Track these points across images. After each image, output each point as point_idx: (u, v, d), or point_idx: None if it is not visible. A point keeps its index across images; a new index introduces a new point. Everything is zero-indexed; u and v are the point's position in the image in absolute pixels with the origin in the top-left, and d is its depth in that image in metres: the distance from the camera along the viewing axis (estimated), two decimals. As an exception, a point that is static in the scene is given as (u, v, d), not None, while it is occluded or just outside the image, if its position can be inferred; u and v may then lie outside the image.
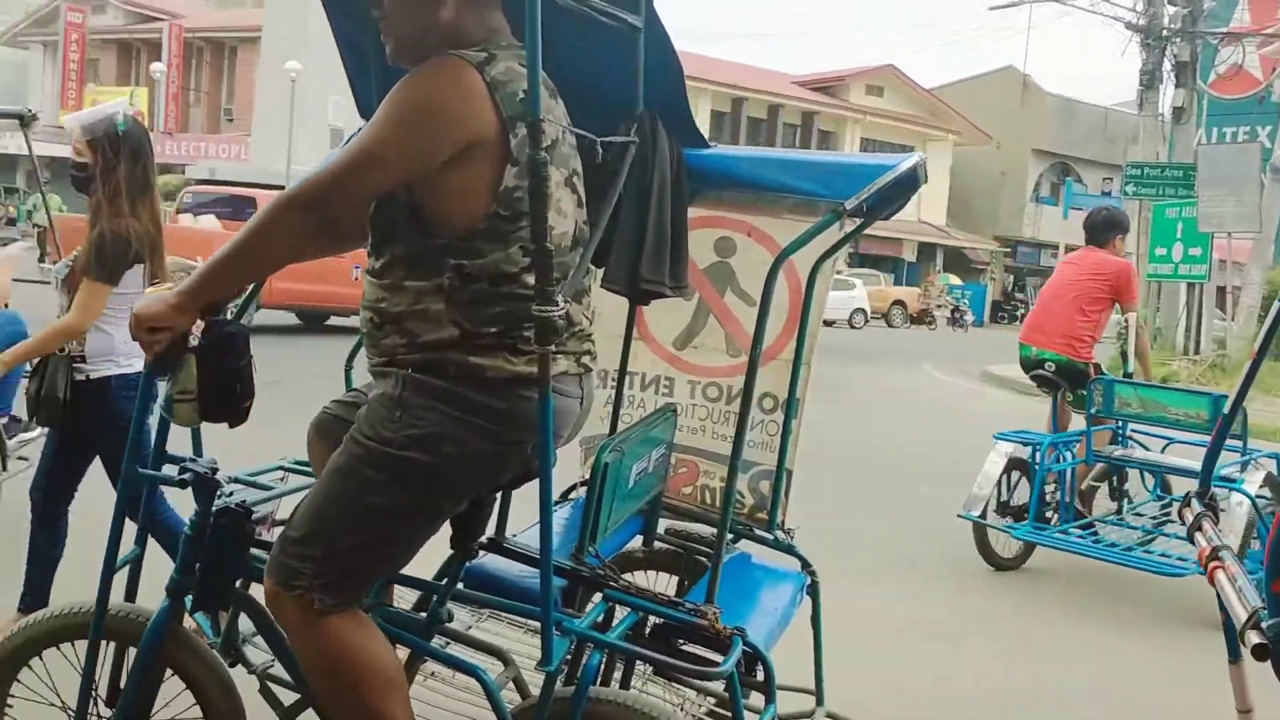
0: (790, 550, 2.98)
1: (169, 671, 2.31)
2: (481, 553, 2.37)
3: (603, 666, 2.56)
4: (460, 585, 2.38)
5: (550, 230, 2.01)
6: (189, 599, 2.27)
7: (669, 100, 2.53)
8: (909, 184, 2.56)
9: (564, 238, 2.13)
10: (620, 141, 2.37)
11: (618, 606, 2.35)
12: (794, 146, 37.82)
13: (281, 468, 2.75)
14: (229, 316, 2.31)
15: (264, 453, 2.92)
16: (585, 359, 2.24)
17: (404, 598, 2.67)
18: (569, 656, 2.47)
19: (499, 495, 2.40)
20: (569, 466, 2.92)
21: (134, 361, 3.65)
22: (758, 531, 3.04)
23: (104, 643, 2.29)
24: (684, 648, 2.26)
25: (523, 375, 2.03)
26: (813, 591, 2.91)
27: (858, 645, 4.07)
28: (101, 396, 3.64)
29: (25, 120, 5.48)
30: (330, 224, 2.05)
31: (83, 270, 3.53)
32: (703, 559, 2.95)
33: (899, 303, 36.40)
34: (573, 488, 3.22)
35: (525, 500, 2.21)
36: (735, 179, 2.72)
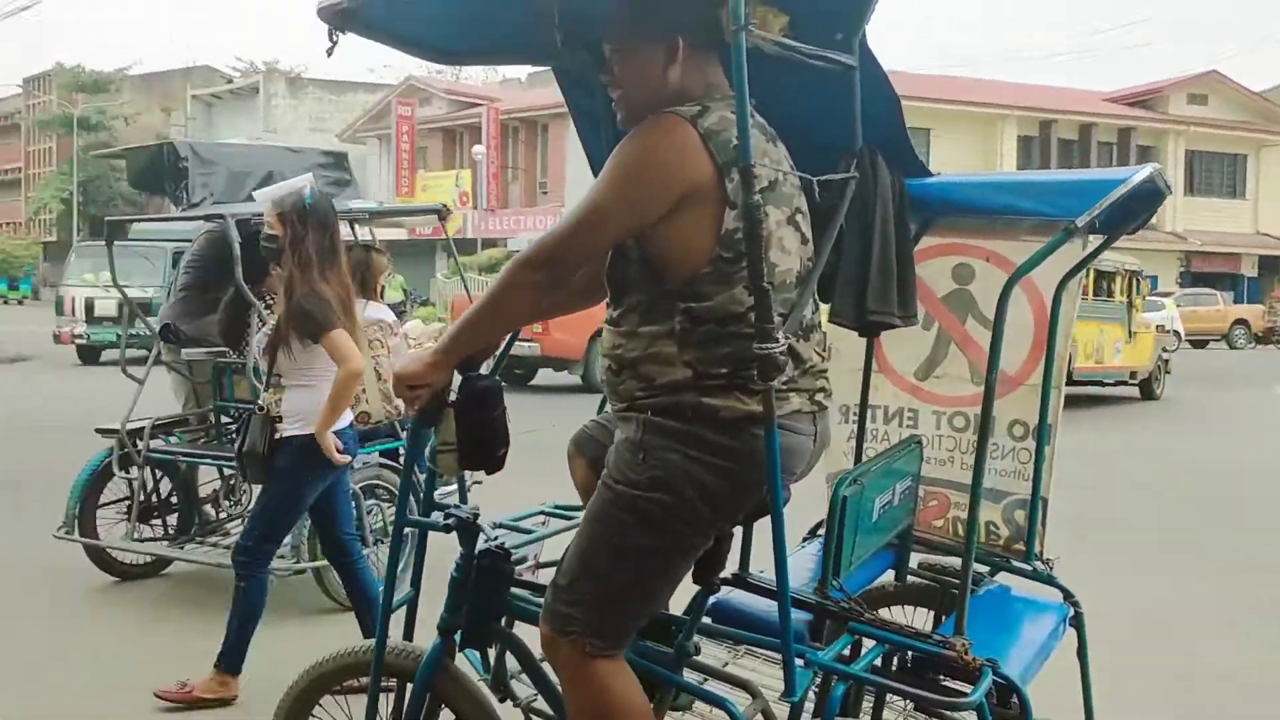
0: (1050, 581, 2.88)
1: (443, 707, 2.49)
2: (725, 587, 2.44)
3: (850, 699, 2.56)
4: (707, 619, 2.46)
5: (774, 268, 2.09)
6: (458, 637, 2.45)
7: (888, 134, 2.56)
8: (1150, 197, 2.46)
9: (788, 274, 2.19)
10: (840, 179, 2.41)
11: (865, 639, 2.35)
12: (1109, 165, 35.86)
13: (542, 512, 2.91)
14: (483, 371, 2.49)
15: (528, 498, 3.11)
16: (819, 396, 2.28)
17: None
18: (818, 689, 2.49)
19: (740, 530, 2.46)
20: (819, 502, 2.95)
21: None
22: (1015, 563, 2.95)
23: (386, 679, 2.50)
24: (936, 681, 2.24)
25: (755, 414, 2.08)
26: (1076, 623, 2.79)
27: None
28: (289, 454, 3.91)
29: (442, 214, 6.10)
30: (563, 280, 2.20)
31: (292, 335, 3.84)
32: (958, 592, 2.89)
33: (1241, 321, 33.66)
34: (821, 524, 3.23)
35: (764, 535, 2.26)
36: (961, 205, 2.70)
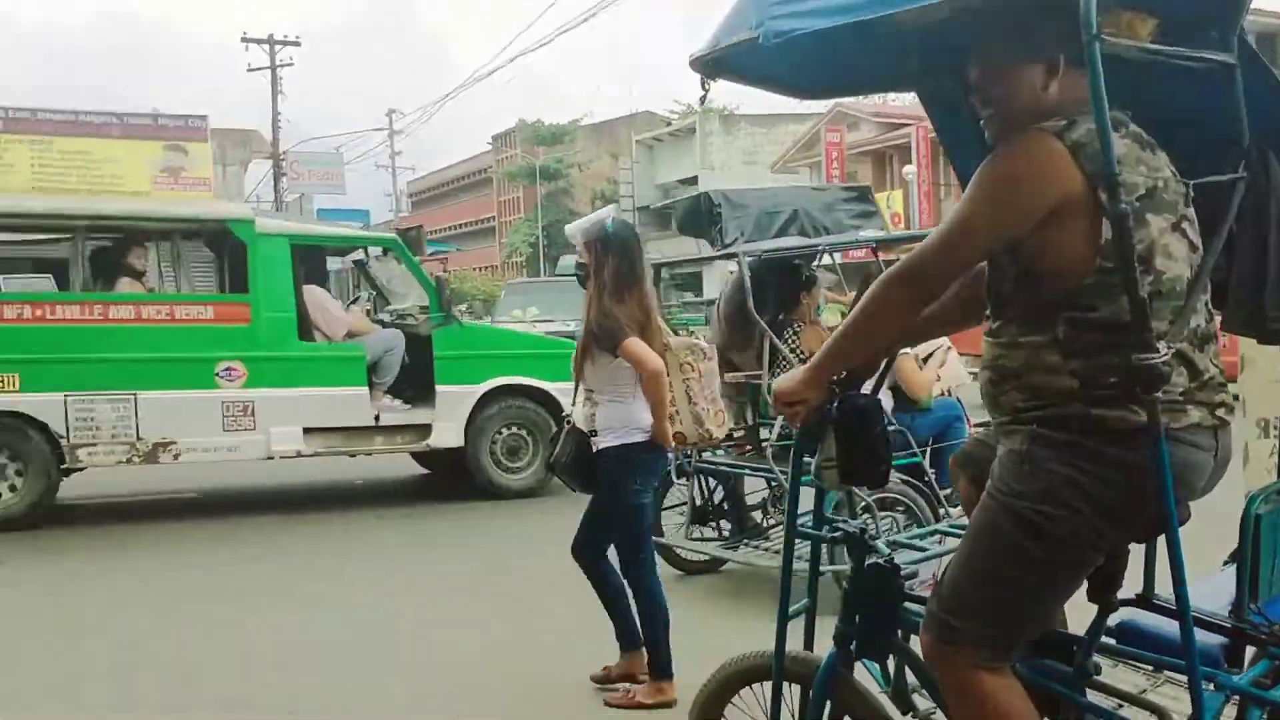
0: None
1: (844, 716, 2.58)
2: (1129, 607, 2.34)
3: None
4: (1111, 640, 2.37)
5: (1160, 275, 2.04)
6: (854, 647, 2.54)
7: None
8: None
9: (1175, 282, 2.11)
10: (1227, 180, 2.26)
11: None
12: None
13: (938, 531, 2.94)
14: (862, 391, 2.57)
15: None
16: (1220, 411, 2.16)
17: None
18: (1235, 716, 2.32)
19: (1144, 548, 2.36)
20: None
21: (634, 434, 4.18)
22: None
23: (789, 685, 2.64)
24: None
25: (1147, 426, 2.02)
26: None
27: None
28: (608, 465, 4.18)
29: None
30: (933, 295, 2.26)
31: (594, 351, 4.14)
32: None
33: None
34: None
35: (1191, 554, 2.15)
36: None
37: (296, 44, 40.52)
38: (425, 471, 10.09)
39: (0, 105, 8.05)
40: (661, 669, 4.17)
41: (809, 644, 2.67)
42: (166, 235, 8.27)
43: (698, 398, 4.46)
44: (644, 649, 4.26)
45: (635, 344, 4.08)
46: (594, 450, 4.25)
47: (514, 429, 8.85)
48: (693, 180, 48.42)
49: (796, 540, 2.60)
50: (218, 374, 8.06)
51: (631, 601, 4.27)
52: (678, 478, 6.02)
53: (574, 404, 4.43)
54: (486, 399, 8.70)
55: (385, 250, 9.20)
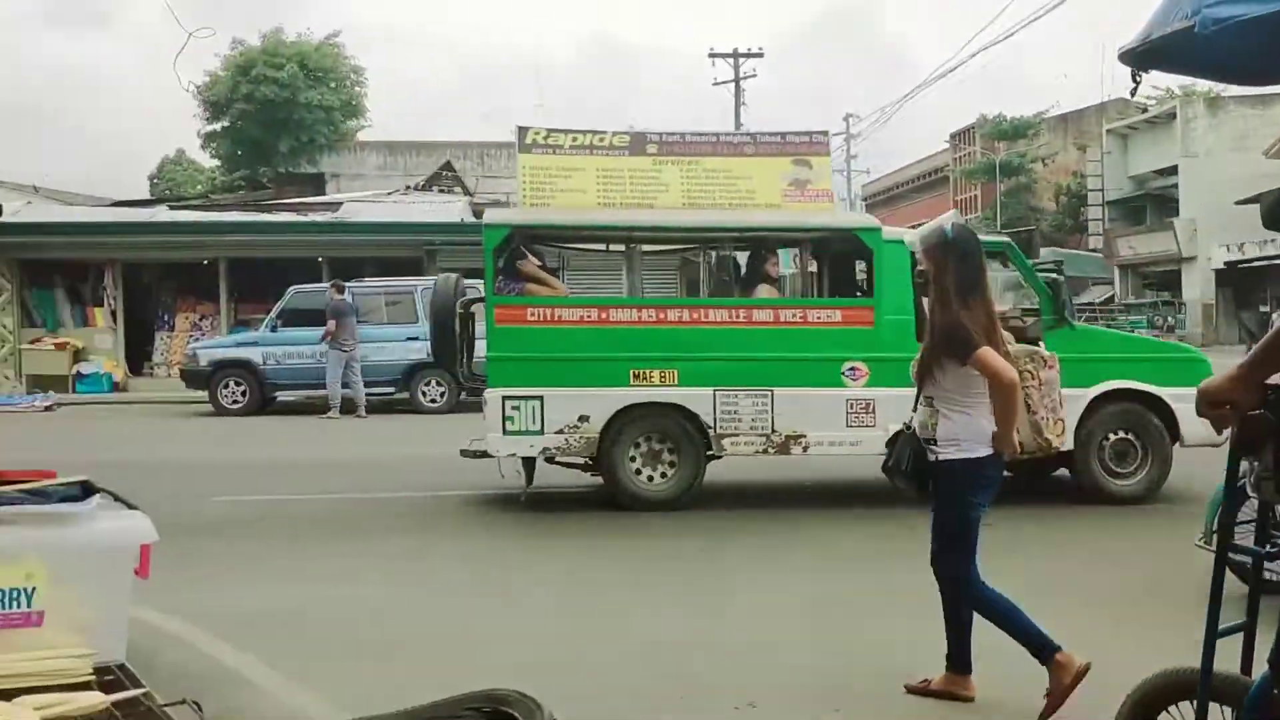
0: None
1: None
2: None
3: None
4: None
5: None
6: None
7: None
8: None
9: None
10: None
11: None
12: None
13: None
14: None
15: None
16: None
17: None
18: None
19: None
20: None
21: (976, 448, 4.09)
22: None
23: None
24: None
25: None
26: None
27: None
28: (947, 477, 4.13)
29: None
30: None
31: (941, 359, 4.09)
32: None
33: None
34: None
35: None
36: None
37: (759, 55, 42.18)
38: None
39: (654, 131, 8.97)
40: (960, 663, 4.24)
41: (1246, 668, 2.47)
42: (798, 243, 8.97)
43: (1037, 406, 4.29)
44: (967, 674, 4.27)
45: (989, 354, 4.01)
46: (933, 459, 4.20)
47: (1123, 434, 8.74)
48: (1172, 170, 45.03)
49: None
50: (844, 373, 8.62)
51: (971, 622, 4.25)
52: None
53: (913, 410, 4.36)
54: (1096, 403, 8.66)
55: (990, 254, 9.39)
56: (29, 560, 1.80)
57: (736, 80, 41.29)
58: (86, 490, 1.96)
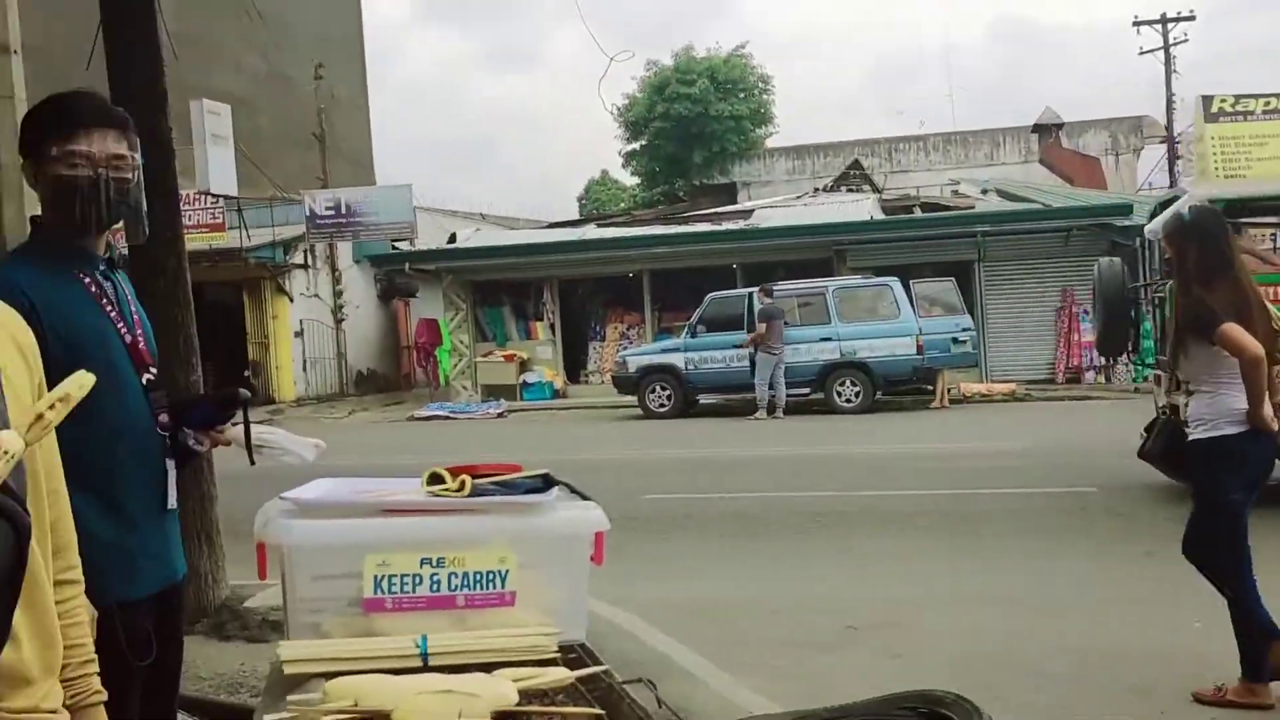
0: None
1: None
2: None
3: None
4: None
5: None
6: None
7: None
8: None
9: None
10: None
11: None
12: None
13: None
14: None
15: None
16: None
17: None
18: None
19: None
20: None
21: (1225, 425, 4.11)
22: None
23: None
24: None
25: None
26: None
27: None
28: (1199, 458, 4.20)
29: None
30: None
31: (1187, 339, 4.19)
32: None
33: None
34: None
35: None
36: None
37: (1190, 19, 38.29)
38: None
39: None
40: (1254, 673, 4.12)
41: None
42: None
43: None
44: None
45: (1233, 329, 4.03)
46: (1187, 441, 4.28)
47: None
48: None
49: None
50: None
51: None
52: None
53: (1164, 394, 4.22)
54: None
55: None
56: (501, 545, 1.98)
57: (1166, 47, 37.80)
58: (548, 482, 2.13)
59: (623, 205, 46.18)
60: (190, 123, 17.85)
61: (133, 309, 2.59)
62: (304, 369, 25.74)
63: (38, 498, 1.53)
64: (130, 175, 2.47)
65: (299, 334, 25.48)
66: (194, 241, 18.42)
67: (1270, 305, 4.43)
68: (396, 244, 26.14)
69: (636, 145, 43.20)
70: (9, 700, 1.44)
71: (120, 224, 2.52)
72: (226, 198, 21.19)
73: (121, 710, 2.45)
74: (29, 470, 1.51)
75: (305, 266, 25.82)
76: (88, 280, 2.47)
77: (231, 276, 24.22)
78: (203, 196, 21.34)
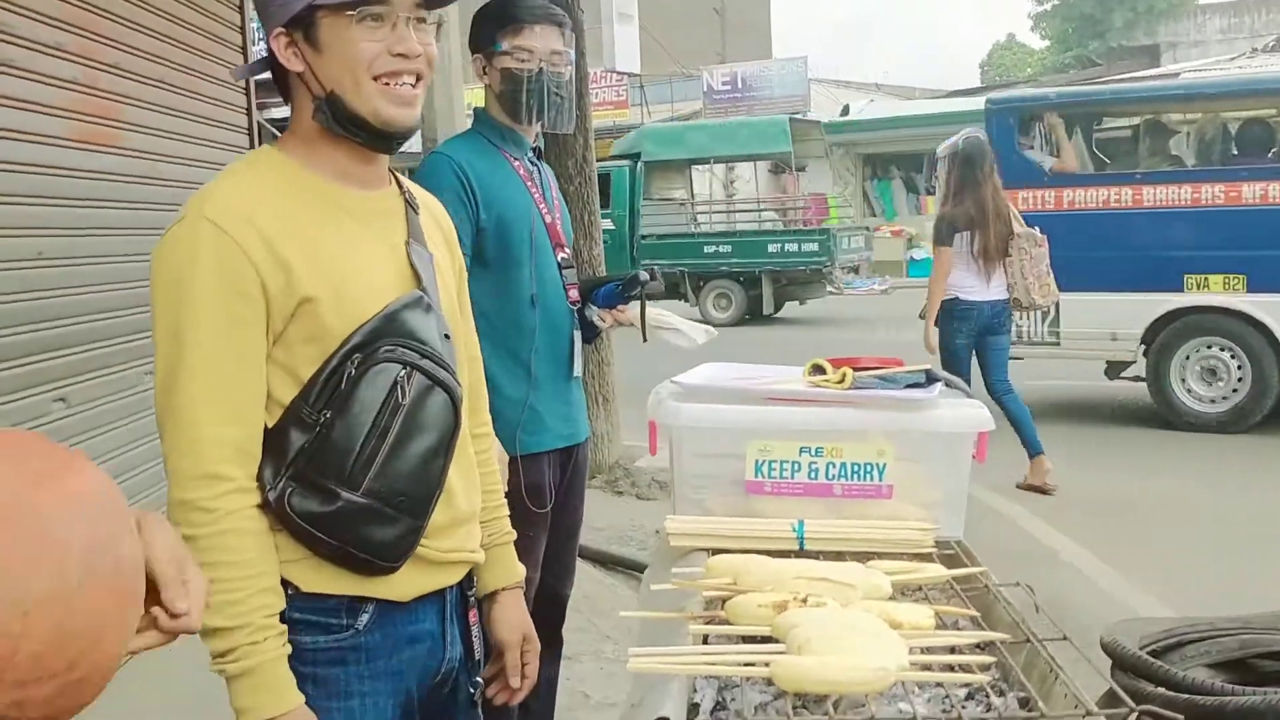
0: None
1: None
2: None
3: None
4: None
5: None
6: None
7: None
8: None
9: None
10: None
11: None
12: None
13: None
14: None
15: None
16: None
17: None
18: None
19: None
20: None
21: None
22: None
23: None
24: None
25: None
26: None
27: None
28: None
29: None
30: None
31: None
32: None
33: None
34: None
35: None
36: None
37: None
38: None
39: None
40: None
41: None
42: None
43: (1028, 273, 5.95)
44: None
45: (937, 254, 5.97)
46: None
47: None
48: None
49: None
50: None
51: None
52: None
53: None
54: None
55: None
56: (880, 439, 1.99)
57: None
58: (930, 378, 2.10)
59: (1029, 70, 43.17)
60: (599, 2, 18.55)
61: (554, 194, 2.83)
62: (696, 240, 26.50)
63: (461, 367, 1.69)
64: (565, 71, 2.69)
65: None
66: (599, 119, 19.35)
67: (1014, 214, 6.08)
68: (792, 118, 26.05)
69: (1048, 6, 40.03)
70: (437, 540, 1.63)
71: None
72: (630, 75, 21.95)
73: (526, 552, 2.75)
74: (456, 342, 1.67)
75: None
76: (517, 163, 2.72)
77: (633, 151, 25.22)
78: (608, 75, 22.25)
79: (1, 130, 3.72)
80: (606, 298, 2.78)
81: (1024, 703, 1.46)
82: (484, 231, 2.62)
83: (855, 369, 2.08)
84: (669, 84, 25.16)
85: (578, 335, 2.77)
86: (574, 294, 2.77)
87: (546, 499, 2.74)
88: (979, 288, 5.98)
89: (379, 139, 1.58)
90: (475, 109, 2.83)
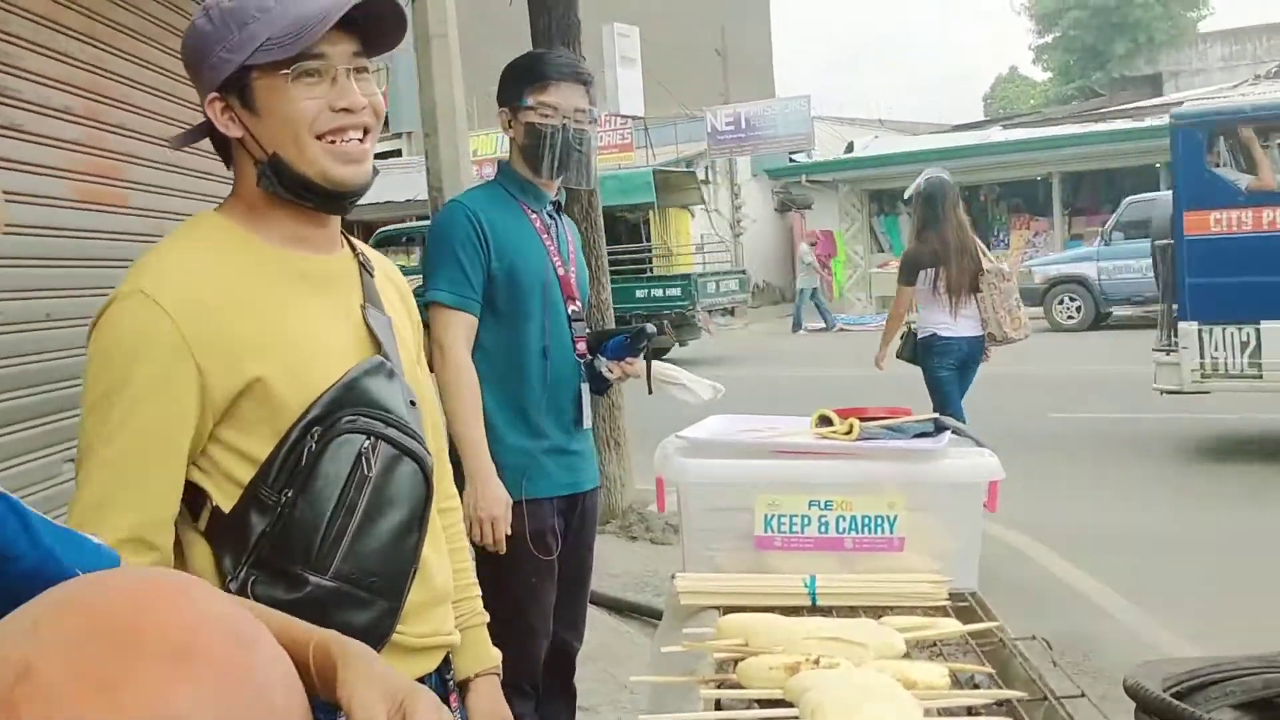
0: None
1: None
2: None
3: None
4: None
5: None
6: None
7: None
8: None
9: None
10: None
11: None
12: None
13: None
14: None
15: None
16: None
17: None
18: None
19: None
20: None
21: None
22: None
23: None
24: None
25: None
26: None
27: None
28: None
29: None
30: None
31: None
32: None
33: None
34: None
35: None
36: None
37: None
38: None
39: None
40: None
41: None
42: None
43: (998, 307, 6.01)
44: None
45: (899, 292, 6.38)
46: None
47: None
48: None
49: None
50: None
51: None
52: None
53: None
54: None
55: None
56: (890, 491, 1.96)
57: None
58: (938, 426, 2.08)
59: (1032, 103, 43.33)
60: (602, 47, 18.71)
61: (570, 249, 2.86)
62: (703, 282, 26.59)
63: (427, 434, 1.60)
64: (588, 128, 2.74)
65: (699, 248, 26.33)
66: (605, 162, 19.47)
67: (982, 250, 6.20)
68: (793, 156, 26.18)
69: (1048, 39, 40.26)
70: (414, 624, 1.55)
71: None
72: (634, 118, 22.10)
73: (534, 600, 2.73)
74: (424, 411, 1.59)
75: (705, 182, 26.51)
76: (534, 216, 2.77)
77: (638, 194, 25.35)
78: (612, 118, 22.40)
79: (10, 194, 3.73)
80: (615, 350, 2.80)
81: (1043, 764, 1.42)
82: (495, 279, 2.65)
83: (862, 419, 2.07)
84: (673, 126, 25.30)
85: (585, 387, 2.78)
86: (581, 346, 2.79)
87: (551, 546, 2.73)
88: (949, 323, 6.09)
89: (329, 200, 1.50)
90: (499, 161, 2.88)
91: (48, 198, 3.91)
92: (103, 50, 4.18)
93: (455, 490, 1.84)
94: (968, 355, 6.11)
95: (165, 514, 1.41)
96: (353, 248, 1.63)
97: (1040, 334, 17.55)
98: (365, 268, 1.61)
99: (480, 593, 1.82)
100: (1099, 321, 17.51)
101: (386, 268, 1.72)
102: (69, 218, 4.04)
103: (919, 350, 6.20)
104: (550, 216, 2.82)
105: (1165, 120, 22.13)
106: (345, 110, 1.45)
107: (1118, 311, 17.85)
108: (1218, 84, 27.90)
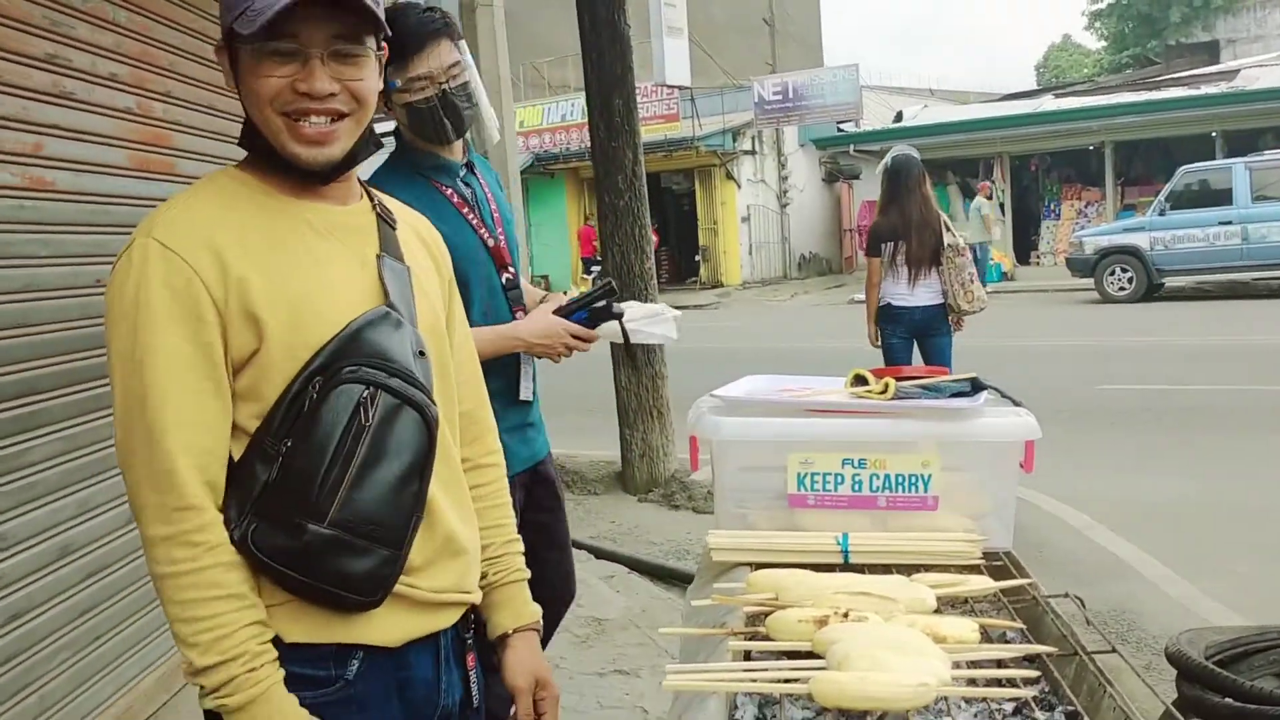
0: None
1: None
2: None
3: None
4: None
5: None
6: None
7: None
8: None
9: None
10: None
11: None
12: None
13: None
14: None
15: None
16: None
17: None
18: None
19: None
20: None
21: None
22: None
23: None
24: None
25: None
26: None
27: None
28: None
29: None
30: None
31: None
32: None
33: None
34: None
35: None
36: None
37: None
38: None
39: None
40: None
41: None
42: None
43: (953, 280, 6.30)
44: None
45: (869, 264, 6.59)
46: None
47: None
48: None
49: None
50: None
51: None
52: None
53: None
54: None
55: None
56: (924, 450, 1.96)
57: None
58: (975, 386, 2.07)
59: (1085, 71, 42.50)
60: (648, 16, 18.62)
61: (492, 209, 2.68)
62: (749, 253, 26.51)
63: (445, 388, 1.61)
64: (467, 76, 2.52)
65: (745, 219, 26.21)
66: (650, 133, 19.39)
67: (946, 224, 6.38)
68: (841, 126, 25.93)
69: (1103, 4, 39.45)
70: (426, 579, 1.54)
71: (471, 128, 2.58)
72: (680, 88, 21.98)
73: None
74: (436, 364, 1.59)
75: (752, 153, 26.36)
76: (449, 190, 2.58)
77: (684, 165, 25.27)
78: (659, 89, 22.29)
79: (65, 161, 3.80)
80: (582, 322, 2.64)
81: (1072, 717, 1.42)
82: None
83: (898, 378, 2.06)
84: (720, 96, 25.14)
85: (528, 358, 2.68)
86: (520, 315, 2.65)
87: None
88: (905, 294, 6.40)
89: (299, 172, 1.51)
90: (396, 139, 2.64)
91: (100, 165, 3.97)
92: (150, 19, 4.24)
93: (497, 447, 1.83)
94: (921, 323, 6.43)
95: (224, 453, 1.43)
96: (373, 200, 1.64)
97: (1090, 305, 17.33)
98: (385, 219, 1.62)
99: (523, 549, 1.81)
100: (1151, 293, 17.21)
101: (415, 221, 1.73)
102: (120, 185, 4.10)
103: (879, 318, 6.59)
104: (464, 183, 2.63)
105: (1222, 88, 21.74)
106: (305, 94, 1.45)
107: (1170, 282, 17.54)
108: (1277, 50, 27.23)
